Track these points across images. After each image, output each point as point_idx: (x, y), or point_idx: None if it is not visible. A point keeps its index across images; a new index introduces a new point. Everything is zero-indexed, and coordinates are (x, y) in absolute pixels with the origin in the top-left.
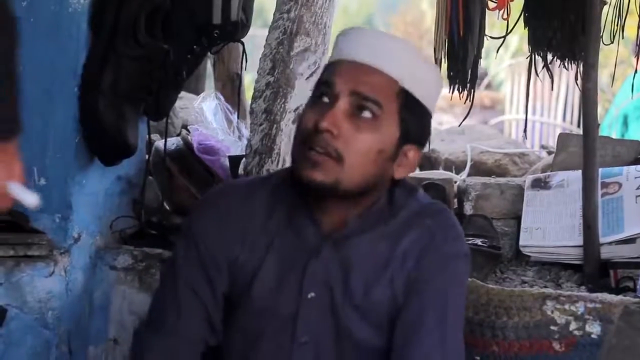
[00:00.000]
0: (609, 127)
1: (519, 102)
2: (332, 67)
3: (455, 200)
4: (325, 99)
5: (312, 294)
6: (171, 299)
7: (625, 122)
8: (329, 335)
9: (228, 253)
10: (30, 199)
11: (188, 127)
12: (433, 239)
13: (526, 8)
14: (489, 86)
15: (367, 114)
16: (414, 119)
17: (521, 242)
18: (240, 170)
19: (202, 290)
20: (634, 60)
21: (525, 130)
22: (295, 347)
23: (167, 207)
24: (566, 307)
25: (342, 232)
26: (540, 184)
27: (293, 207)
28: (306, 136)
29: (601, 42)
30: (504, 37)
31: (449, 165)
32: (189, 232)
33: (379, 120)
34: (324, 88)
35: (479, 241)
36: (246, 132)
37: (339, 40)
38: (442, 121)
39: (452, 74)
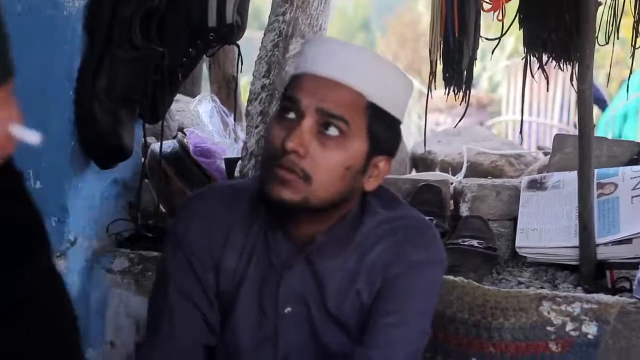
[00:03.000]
0: (605, 125)
1: (516, 103)
2: (297, 82)
3: (452, 201)
4: (291, 115)
5: (289, 309)
6: (163, 306)
7: (625, 120)
8: (309, 349)
9: (213, 254)
10: (32, 136)
11: (184, 130)
12: (401, 249)
13: (521, 9)
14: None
15: (333, 131)
16: (383, 130)
17: (517, 243)
18: (237, 173)
19: (194, 293)
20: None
21: (521, 132)
22: None
23: (164, 210)
24: (562, 307)
25: (312, 246)
26: (536, 185)
27: (267, 221)
28: (273, 154)
29: (596, 43)
30: (499, 38)
31: (445, 166)
32: (175, 237)
33: (347, 137)
34: (289, 104)
35: (475, 242)
36: (242, 135)
37: (304, 50)
38: (439, 122)
39: (447, 75)
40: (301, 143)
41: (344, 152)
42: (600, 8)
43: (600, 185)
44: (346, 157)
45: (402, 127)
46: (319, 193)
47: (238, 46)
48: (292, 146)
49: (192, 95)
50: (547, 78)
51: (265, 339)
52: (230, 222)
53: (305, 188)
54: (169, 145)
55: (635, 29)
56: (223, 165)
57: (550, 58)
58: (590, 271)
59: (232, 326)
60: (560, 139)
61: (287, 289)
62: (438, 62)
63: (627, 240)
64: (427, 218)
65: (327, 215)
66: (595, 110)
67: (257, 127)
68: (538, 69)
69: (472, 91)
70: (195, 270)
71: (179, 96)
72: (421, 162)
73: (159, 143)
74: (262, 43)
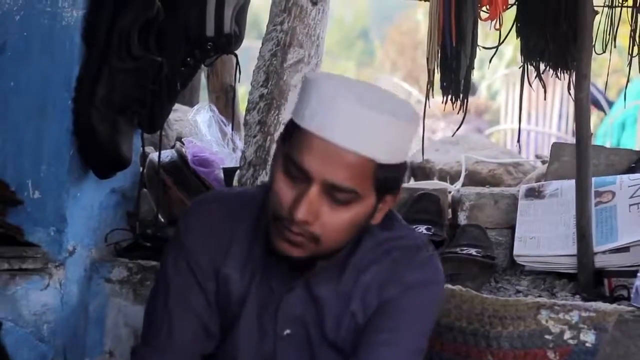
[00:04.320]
0: (603, 136)
1: (514, 111)
2: (303, 144)
3: (450, 210)
4: (297, 175)
5: (288, 331)
6: (163, 312)
7: (623, 128)
8: None
9: (214, 261)
10: None
11: (182, 140)
12: (396, 270)
13: (518, 18)
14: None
15: (343, 197)
16: (391, 179)
17: (515, 252)
18: (235, 182)
19: (194, 300)
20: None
21: (519, 140)
22: None
23: (162, 220)
24: (560, 316)
25: (313, 271)
26: (534, 194)
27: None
28: (282, 215)
29: (594, 52)
30: (497, 47)
31: (444, 175)
32: (177, 243)
33: (356, 200)
34: (295, 170)
35: (473, 251)
36: (240, 144)
37: (307, 96)
38: (435, 129)
39: (445, 84)
40: (310, 211)
41: (353, 213)
42: (597, 17)
43: (598, 194)
44: (356, 216)
45: None
46: (328, 248)
47: (236, 55)
48: (301, 217)
49: (191, 104)
50: (544, 87)
51: (264, 359)
52: (233, 232)
53: (314, 247)
54: (167, 154)
55: (632, 37)
56: (221, 175)
57: (548, 67)
58: (588, 279)
59: (234, 343)
60: (557, 148)
61: (287, 311)
62: (436, 71)
63: (624, 249)
64: (424, 228)
65: (332, 252)
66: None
67: (255, 136)
68: (535, 77)
69: (470, 98)
70: (196, 276)
71: (177, 106)
72: (419, 171)
73: (157, 153)
74: (260, 52)
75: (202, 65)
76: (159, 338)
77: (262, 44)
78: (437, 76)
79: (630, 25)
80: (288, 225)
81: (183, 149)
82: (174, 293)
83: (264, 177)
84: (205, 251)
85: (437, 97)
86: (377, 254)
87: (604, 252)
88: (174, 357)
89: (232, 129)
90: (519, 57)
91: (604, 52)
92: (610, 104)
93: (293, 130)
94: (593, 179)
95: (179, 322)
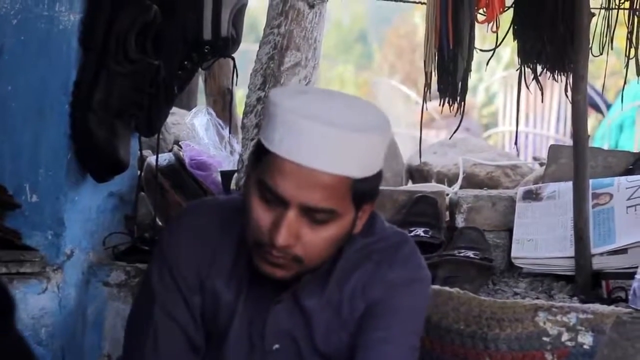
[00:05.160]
0: (601, 138)
1: (512, 113)
2: (274, 167)
3: (447, 212)
4: (272, 199)
5: (277, 346)
6: (147, 325)
7: (620, 130)
8: None
9: (199, 273)
10: None
11: (180, 143)
12: (378, 270)
13: (515, 20)
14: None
15: (321, 217)
16: (368, 191)
17: (513, 254)
18: (233, 185)
19: (179, 314)
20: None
21: (516, 143)
22: None
23: (160, 223)
24: (558, 318)
25: (299, 284)
26: (531, 196)
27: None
28: (261, 240)
29: (591, 54)
30: (494, 49)
31: (441, 177)
32: (161, 255)
33: (335, 218)
34: (270, 195)
35: (470, 253)
36: (238, 147)
37: (273, 121)
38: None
39: (442, 86)
40: (290, 235)
41: (333, 230)
42: (594, 19)
43: (596, 196)
44: (336, 233)
45: (398, 139)
46: (311, 265)
47: (233, 59)
48: (282, 243)
49: (188, 108)
50: (541, 89)
51: None
52: (218, 242)
53: (298, 267)
54: (164, 158)
55: (629, 39)
56: (219, 178)
57: (545, 69)
58: (586, 281)
59: (222, 358)
60: (555, 150)
61: (274, 326)
62: (433, 73)
63: (622, 250)
64: (422, 230)
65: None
66: (592, 118)
67: (252, 139)
68: (533, 79)
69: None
70: (181, 290)
71: (174, 109)
72: (417, 174)
73: (154, 156)
74: (257, 56)
75: (200, 69)
76: (144, 351)
77: (260, 47)
78: (435, 79)
79: (627, 28)
80: (269, 250)
81: (180, 152)
82: (159, 305)
83: None
84: (190, 263)
85: (435, 101)
86: (358, 261)
87: (601, 254)
88: None
89: (230, 132)
90: (516, 60)
91: (602, 54)
92: (609, 106)
93: (263, 154)
94: (590, 181)
95: (164, 334)
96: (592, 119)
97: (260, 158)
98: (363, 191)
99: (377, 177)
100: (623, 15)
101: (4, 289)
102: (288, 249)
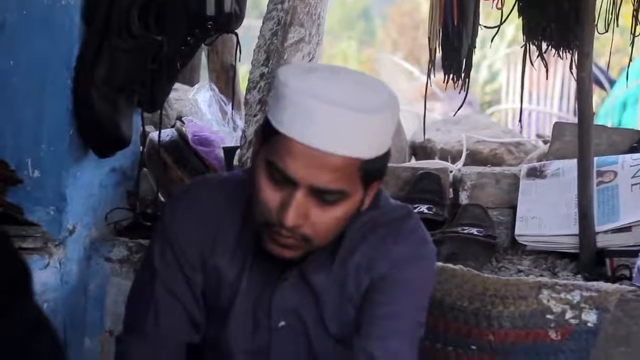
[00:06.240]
0: (605, 116)
1: (515, 91)
2: (283, 148)
3: (451, 189)
4: (282, 180)
5: (283, 323)
6: (149, 301)
7: (624, 108)
8: None
9: (201, 251)
10: None
11: (182, 119)
12: (382, 246)
13: None
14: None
15: (330, 198)
16: (377, 170)
17: (517, 232)
18: (235, 161)
19: (180, 291)
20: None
21: (520, 120)
22: None
23: (162, 199)
24: (562, 295)
25: (307, 260)
26: (535, 173)
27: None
28: (270, 220)
29: (596, 31)
30: (498, 26)
31: (445, 154)
32: (163, 232)
33: (344, 198)
34: (279, 176)
35: (474, 230)
36: (241, 123)
37: (282, 101)
38: (434, 108)
39: (446, 63)
40: (298, 216)
41: (342, 209)
42: None
43: (600, 173)
44: (345, 212)
45: (400, 115)
46: (320, 244)
47: (237, 35)
48: (290, 224)
49: (191, 84)
50: (546, 66)
51: (258, 351)
52: (220, 219)
53: (307, 246)
54: (167, 134)
55: (635, 16)
56: (222, 154)
57: (550, 46)
58: (590, 259)
59: (226, 335)
60: (559, 127)
61: (281, 302)
62: (437, 50)
63: (626, 228)
64: (426, 207)
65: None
66: (596, 96)
67: (255, 115)
68: (537, 57)
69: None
70: (183, 267)
71: (177, 85)
72: (420, 150)
73: (157, 132)
74: (260, 32)
75: (203, 45)
76: (146, 326)
77: (263, 22)
78: (439, 55)
79: (633, 5)
80: (277, 228)
81: (183, 128)
82: (161, 282)
83: None
84: (192, 240)
85: (438, 76)
86: (364, 234)
87: (605, 232)
88: (162, 345)
89: (233, 108)
90: (520, 37)
91: (607, 31)
92: (612, 83)
93: (271, 133)
94: (595, 158)
95: (166, 310)
96: (595, 96)
97: (269, 137)
98: (372, 171)
99: (386, 155)
100: None
101: (17, 256)
102: (297, 229)
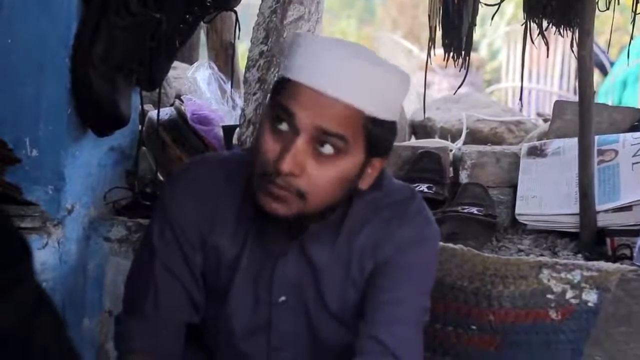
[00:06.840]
0: (605, 94)
1: (515, 69)
2: (292, 92)
3: (451, 168)
4: (284, 126)
5: (283, 298)
6: (148, 280)
7: (624, 87)
8: (303, 338)
9: (201, 231)
10: None
11: (181, 97)
12: (387, 229)
13: None
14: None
15: (329, 149)
16: (381, 137)
17: (517, 211)
18: (235, 140)
19: (179, 271)
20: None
21: (521, 98)
22: (271, 353)
23: (161, 178)
24: (562, 275)
25: (306, 234)
26: (536, 152)
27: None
28: (267, 169)
29: (597, 9)
30: (499, 4)
31: (445, 133)
32: (163, 211)
33: (344, 153)
34: (283, 115)
35: (474, 210)
36: (240, 102)
37: (298, 52)
38: (433, 82)
39: (446, 41)
40: (296, 164)
41: (340, 167)
42: None
43: (601, 152)
44: (343, 171)
45: None
46: (314, 206)
47: (236, 12)
48: (286, 169)
49: (190, 62)
50: (547, 44)
51: (259, 327)
52: (220, 197)
53: (300, 204)
54: (166, 112)
55: None
56: (221, 133)
57: (550, 24)
58: (591, 238)
59: (227, 313)
60: (560, 106)
61: (282, 277)
62: (437, 28)
63: (627, 208)
64: (426, 186)
65: (320, 215)
66: (597, 75)
67: (255, 94)
68: (538, 35)
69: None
70: (182, 246)
71: (176, 63)
72: (420, 129)
73: (156, 110)
74: (259, 9)
75: (202, 22)
76: (145, 306)
77: (262, 0)
78: (439, 33)
79: None
80: (272, 177)
81: (182, 107)
82: (160, 261)
83: None
84: (191, 219)
85: (437, 53)
86: (368, 215)
87: (606, 211)
88: (162, 325)
89: (232, 87)
90: (520, 14)
91: (607, 9)
92: (612, 64)
93: (281, 86)
94: (595, 137)
95: (165, 290)
96: (595, 74)
97: (278, 89)
98: (376, 136)
99: (391, 128)
100: None
101: (18, 235)
102: (292, 177)
